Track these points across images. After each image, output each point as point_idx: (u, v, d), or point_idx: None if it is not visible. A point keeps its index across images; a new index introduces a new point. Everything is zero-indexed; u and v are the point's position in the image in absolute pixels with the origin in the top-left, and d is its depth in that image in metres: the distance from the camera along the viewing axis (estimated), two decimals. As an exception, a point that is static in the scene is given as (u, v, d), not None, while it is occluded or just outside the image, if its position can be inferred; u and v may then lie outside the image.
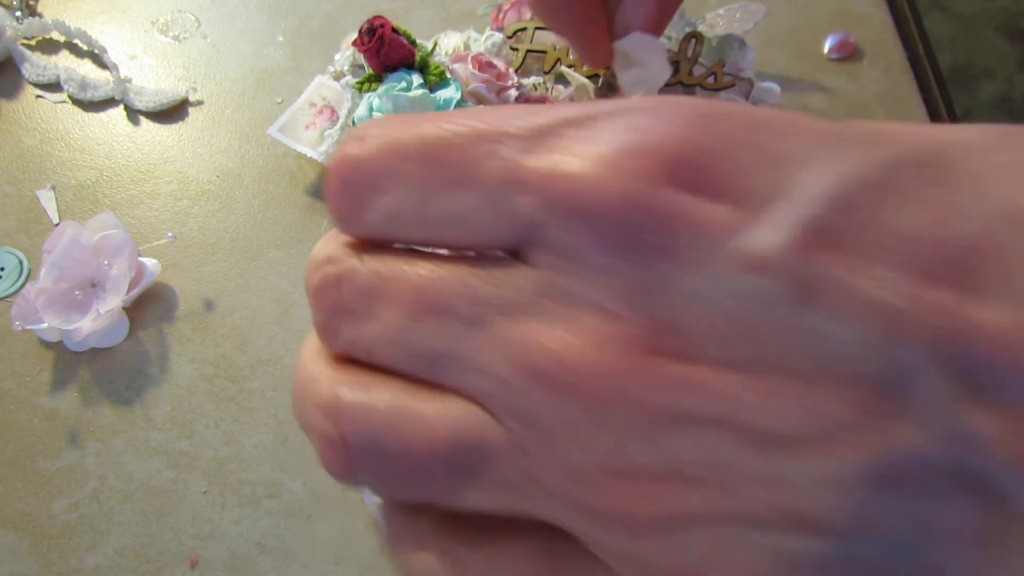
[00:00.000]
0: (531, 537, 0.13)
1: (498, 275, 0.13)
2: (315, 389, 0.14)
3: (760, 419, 0.11)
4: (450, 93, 0.39)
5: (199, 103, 0.46)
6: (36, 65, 0.46)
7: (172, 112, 0.45)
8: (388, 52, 0.40)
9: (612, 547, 0.12)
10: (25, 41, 0.48)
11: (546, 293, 0.12)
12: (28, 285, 0.37)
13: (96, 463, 0.35)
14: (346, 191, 0.14)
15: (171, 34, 0.49)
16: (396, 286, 0.13)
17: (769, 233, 0.11)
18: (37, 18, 0.47)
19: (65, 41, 0.48)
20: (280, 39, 0.48)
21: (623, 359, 0.11)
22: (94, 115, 0.45)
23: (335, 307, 0.14)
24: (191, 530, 0.34)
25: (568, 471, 0.12)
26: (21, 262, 0.40)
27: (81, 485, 0.35)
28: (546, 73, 0.43)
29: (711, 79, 0.42)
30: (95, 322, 0.37)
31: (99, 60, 0.47)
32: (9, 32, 0.47)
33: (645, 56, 0.34)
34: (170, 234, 0.41)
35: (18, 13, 0.48)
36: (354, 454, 0.14)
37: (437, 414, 0.13)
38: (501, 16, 0.45)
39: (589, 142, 0.12)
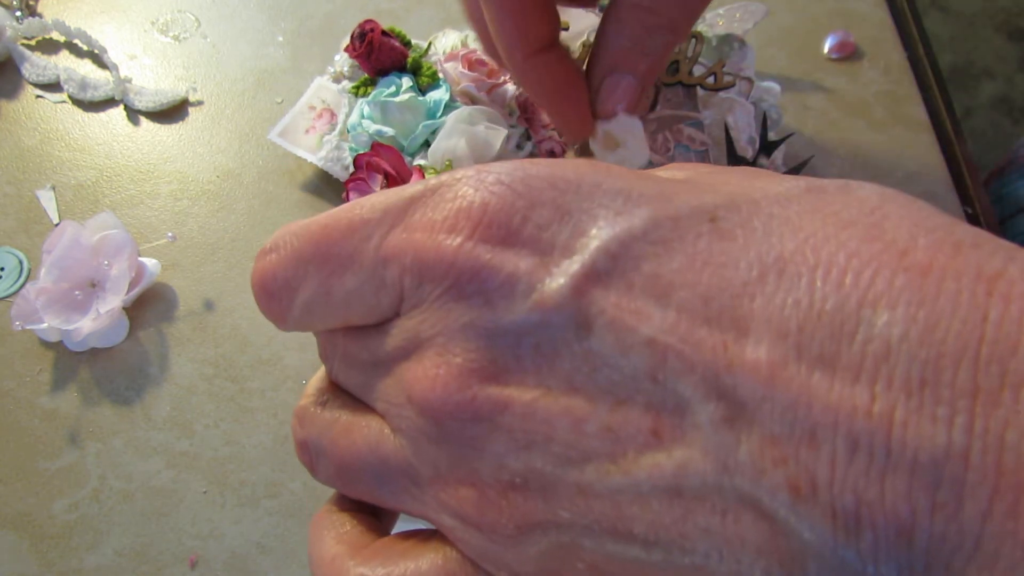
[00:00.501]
0: (433, 555, 0.16)
1: (386, 330, 0.16)
2: (304, 398, 0.19)
3: (568, 437, 0.13)
4: (440, 95, 0.39)
5: (199, 103, 0.46)
6: (36, 65, 0.46)
7: (172, 112, 0.45)
8: (378, 57, 0.40)
9: (478, 549, 0.15)
10: (25, 41, 0.48)
11: (415, 338, 0.15)
12: (28, 285, 0.37)
13: (96, 463, 0.35)
14: (270, 299, 0.18)
15: (171, 34, 0.49)
16: (339, 346, 0.18)
17: (554, 279, 0.14)
18: (37, 18, 0.47)
19: (65, 41, 0.48)
20: (280, 39, 0.48)
21: (457, 386, 0.14)
22: (94, 115, 0.45)
23: (323, 351, 0.19)
24: (191, 530, 0.34)
25: (435, 478, 0.15)
26: (21, 262, 0.41)
27: (81, 485, 0.35)
28: None
29: (711, 79, 0.42)
30: (95, 322, 0.37)
31: (99, 60, 0.47)
32: (9, 32, 0.47)
33: (626, 137, 0.35)
34: (170, 234, 0.41)
35: (18, 13, 0.48)
36: (311, 453, 0.18)
37: (360, 429, 0.17)
38: None
39: (426, 215, 0.15)
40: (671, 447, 0.13)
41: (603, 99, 0.31)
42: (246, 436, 0.36)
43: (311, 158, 0.41)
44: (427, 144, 0.39)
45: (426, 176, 0.37)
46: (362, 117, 0.40)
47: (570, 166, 0.15)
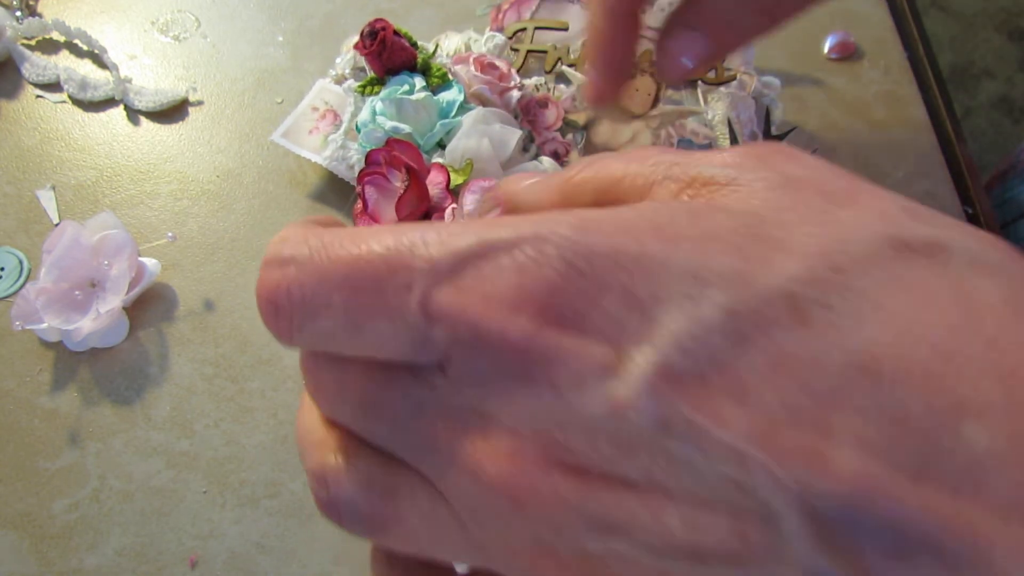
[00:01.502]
0: None
1: (433, 386, 0.15)
2: (311, 447, 0.17)
3: (649, 529, 0.13)
4: (453, 95, 0.39)
5: (199, 103, 0.46)
6: (36, 65, 0.46)
7: (172, 112, 0.45)
8: (390, 55, 0.40)
9: None
10: (25, 41, 0.48)
11: (476, 412, 0.14)
12: (28, 285, 0.37)
13: (96, 463, 0.35)
14: (278, 315, 0.16)
15: (171, 34, 0.49)
16: (354, 388, 0.16)
17: (628, 377, 0.13)
18: (37, 18, 0.47)
19: (65, 41, 0.48)
20: (280, 39, 0.48)
21: (538, 473, 0.14)
22: (94, 115, 0.45)
23: (320, 387, 0.17)
24: (191, 530, 0.34)
25: (506, 547, 0.15)
26: (21, 262, 0.40)
27: (81, 485, 0.35)
28: (547, 72, 0.43)
29: (712, 73, 0.42)
30: (95, 322, 0.37)
31: (99, 60, 0.47)
32: (9, 32, 0.47)
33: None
34: (170, 234, 0.41)
35: (18, 13, 0.48)
36: (345, 515, 0.17)
37: (405, 496, 0.16)
38: (501, 16, 0.45)
39: (483, 284, 0.14)
40: (763, 560, 0.12)
41: (673, 49, 0.29)
42: (246, 436, 0.36)
43: (315, 158, 0.41)
44: (440, 144, 0.39)
45: (451, 174, 0.37)
46: (375, 114, 0.40)
47: (632, 236, 0.14)
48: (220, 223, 0.42)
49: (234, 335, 0.39)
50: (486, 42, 0.43)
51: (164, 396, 0.37)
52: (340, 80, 0.44)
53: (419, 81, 0.40)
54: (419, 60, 0.41)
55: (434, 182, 0.37)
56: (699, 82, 0.42)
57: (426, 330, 0.14)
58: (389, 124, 0.39)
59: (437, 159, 0.38)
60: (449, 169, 0.37)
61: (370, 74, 0.42)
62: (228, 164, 0.44)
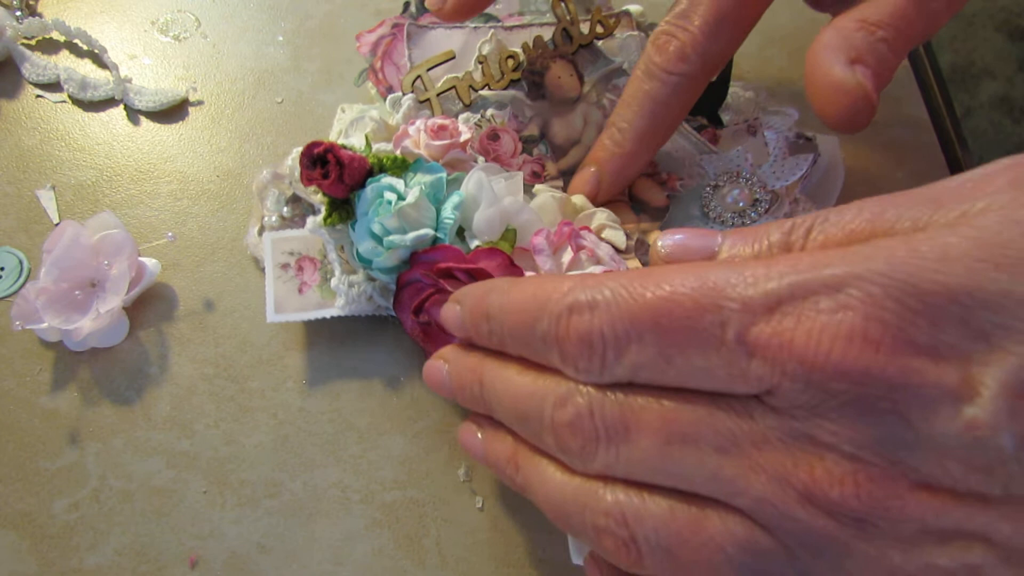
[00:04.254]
0: None
1: (741, 412, 0.16)
2: (594, 498, 0.18)
3: (1011, 539, 0.14)
4: (431, 176, 0.36)
5: (199, 103, 0.46)
6: (36, 65, 0.46)
7: (172, 112, 0.45)
8: (351, 172, 0.35)
9: None
10: (25, 41, 0.48)
11: (790, 435, 0.15)
12: (28, 285, 0.37)
13: (96, 463, 0.35)
14: (591, 352, 0.17)
15: (171, 34, 0.49)
16: (646, 416, 0.17)
17: (982, 400, 0.14)
18: (37, 18, 0.47)
19: (65, 41, 0.48)
20: (280, 39, 0.48)
21: (872, 491, 0.14)
22: (94, 115, 0.45)
23: (588, 435, 0.18)
24: (191, 530, 0.34)
25: (840, 571, 0.15)
26: (21, 262, 0.41)
27: (81, 485, 0.35)
28: (467, 106, 0.41)
29: (600, 28, 0.43)
30: (95, 322, 0.37)
31: (99, 60, 0.47)
32: (9, 32, 0.47)
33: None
34: (170, 234, 0.41)
35: (18, 13, 0.48)
36: (643, 550, 0.18)
37: (711, 520, 0.16)
38: (381, 75, 0.43)
39: (806, 323, 0.15)
40: None
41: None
42: (246, 436, 0.36)
43: (331, 312, 0.37)
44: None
45: (500, 250, 0.35)
46: (381, 236, 0.35)
47: (961, 270, 0.14)
48: (220, 223, 0.42)
49: (234, 335, 0.39)
50: (403, 112, 0.40)
51: (164, 396, 0.37)
52: (280, 224, 0.39)
53: (395, 182, 0.35)
54: (372, 159, 0.36)
55: (495, 266, 0.34)
56: (594, 41, 0.42)
57: (744, 363, 0.16)
58: (409, 237, 0.34)
59: (475, 242, 0.35)
60: (492, 245, 0.34)
61: (324, 200, 0.36)
62: (228, 164, 0.44)
